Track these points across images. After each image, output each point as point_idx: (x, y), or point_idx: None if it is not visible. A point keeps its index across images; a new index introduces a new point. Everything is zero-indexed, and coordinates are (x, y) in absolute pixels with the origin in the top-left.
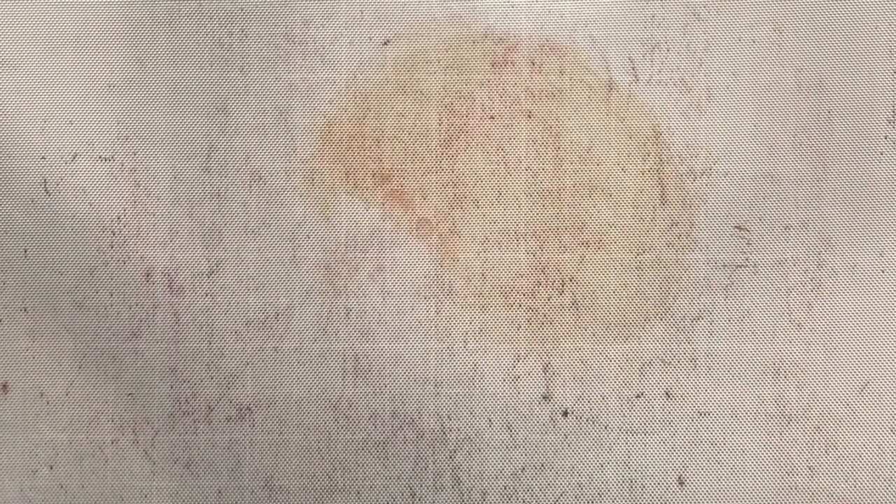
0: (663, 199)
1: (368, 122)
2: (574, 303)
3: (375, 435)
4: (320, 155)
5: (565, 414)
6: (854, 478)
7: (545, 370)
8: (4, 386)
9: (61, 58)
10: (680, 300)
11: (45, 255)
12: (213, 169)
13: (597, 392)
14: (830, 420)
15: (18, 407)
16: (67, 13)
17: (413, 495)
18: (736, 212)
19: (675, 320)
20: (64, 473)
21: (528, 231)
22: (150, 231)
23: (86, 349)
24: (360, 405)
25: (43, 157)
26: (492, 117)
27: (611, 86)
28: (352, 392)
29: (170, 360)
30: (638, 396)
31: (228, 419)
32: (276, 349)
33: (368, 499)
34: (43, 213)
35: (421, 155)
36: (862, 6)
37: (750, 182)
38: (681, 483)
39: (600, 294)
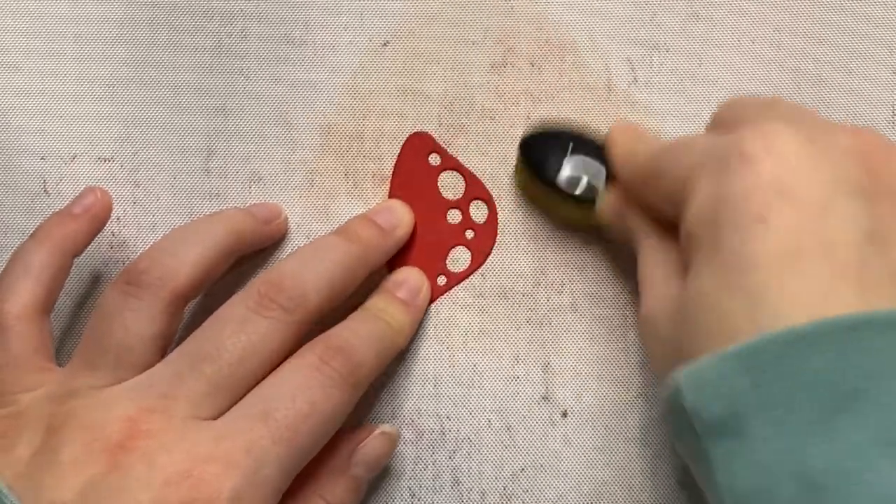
0: None
1: (368, 123)
2: (574, 303)
3: None
4: (320, 155)
5: (565, 414)
6: None
7: (545, 370)
8: None
9: (61, 58)
10: None
11: None
12: (212, 169)
13: (596, 392)
14: None
15: None
16: (67, 13)
17: (412, 495)
18: None
19: None
20: None
21: (528, 231)
22: (150, 231)
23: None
24: (360, 405)
25: (43, 158)
26: (491, 118)
27: (610, 86)
28: None
29: None
30: (638, 396)
31: None
32: None
33: (367, 499)
34: (43, 213)
35: None
36: (862, 6)
37: None
38: (681, 485)
39: (600, 294)
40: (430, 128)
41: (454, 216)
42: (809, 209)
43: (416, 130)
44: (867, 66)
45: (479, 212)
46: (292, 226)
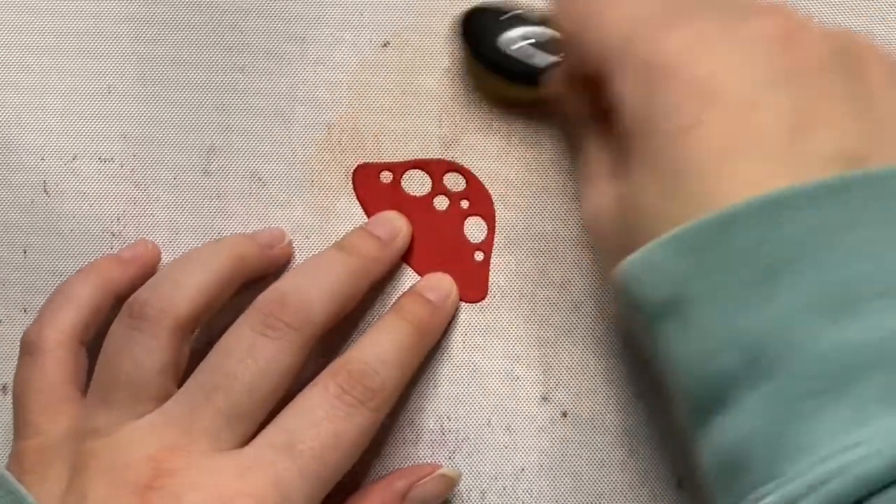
0: None
1: (368, 124)
2: (574, 302)
3: (375, 435)
4: (320, 156)
5: (564, 415)
6: None
7: (545, 370)
8: (4, 387)
9: (61, 58)
10: None
11: (45, 255)
12: (213, 170)
13: (596, 393)
14: None
15: None
16: (68, 13)
17: None
18: None
19: None
20: None
21: (528, 231)
22: (150, 232)
23: (87, 349)
24: None
25: (43, 158)
26: (491, 119)
27: None
28: None
29: None
30: (638, 396)
31: None
32: None
33: None
34: (43, 213)
35: (421, 156)
36: (862, 6)
37: None
38: (680, 485)
39: (601, 293)
40: (430, 128)
41: (441, 202)
42: (737, 108)
43: (416, 130)
44: None
45: (456, 182)
46: (292, 226)
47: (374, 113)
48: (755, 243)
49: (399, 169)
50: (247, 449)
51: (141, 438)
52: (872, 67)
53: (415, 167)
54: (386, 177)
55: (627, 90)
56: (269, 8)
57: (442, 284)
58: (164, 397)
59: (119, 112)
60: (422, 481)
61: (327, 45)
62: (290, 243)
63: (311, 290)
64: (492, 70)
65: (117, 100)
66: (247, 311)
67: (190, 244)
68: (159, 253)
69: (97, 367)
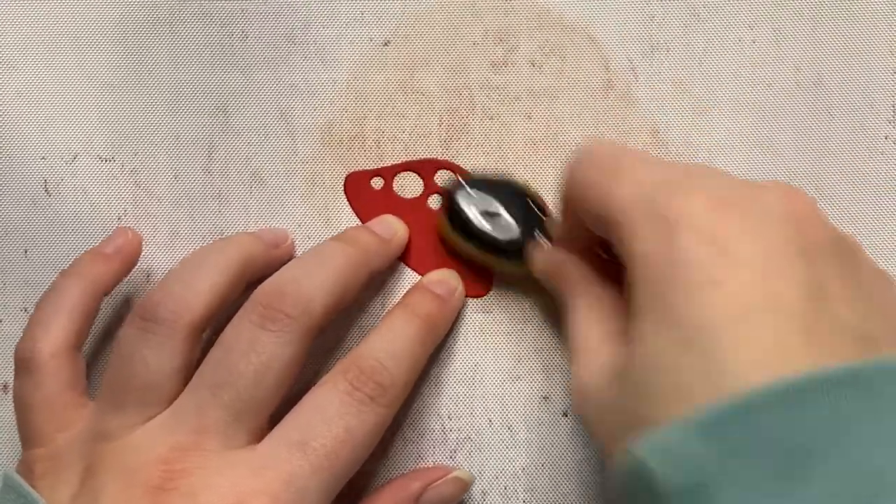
0: None
1: (369, 123)
2: None
3: None
4: (321, 156)
5: (565, 414)
6: None
7: (545, 371)
8: (4, 386)
9: (61, 58)
10: None
11: (45, 255)
12: (213, 170)
13: None
14: None
15: None
16: (67, 13)
17: None
18: None
19: None
20: None
21: None
22: (150, 232)
23: (87, 350)
24: None
25: (43, 158)
26: (491, 118)
27: (611, 86)
28: None
29: None
30: None
31: None
32: None
33: None
34: (43, 213)
35: (421, 155)
36: (862, 6)
37: None
38: None
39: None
40: (431, 127)
41: (436, 201)
42: (754, 271)
43: (416, 129)
44: (867, 66)
45: (448, 180)
46: (293, 226)
47: (374, 112)
48: (780, 429)
49: (389, 173)
50: (259, 447)
51: (152, 440)
52: (862, 260)
53: (405, 170)
54: (377, 182)
55: (647, 245)
56: (270, 7)
57: (448, 279)
58: (173, 400)
59: (119, 111)
60: (436, 483)
61: (327, 44)
62: (292, 243)
63: (309, 279)
64: (478, 243)
65: (118, 99)
66: (245, 305)
67: (190, 244)
68: (140, 241)
69: (108, 370)
